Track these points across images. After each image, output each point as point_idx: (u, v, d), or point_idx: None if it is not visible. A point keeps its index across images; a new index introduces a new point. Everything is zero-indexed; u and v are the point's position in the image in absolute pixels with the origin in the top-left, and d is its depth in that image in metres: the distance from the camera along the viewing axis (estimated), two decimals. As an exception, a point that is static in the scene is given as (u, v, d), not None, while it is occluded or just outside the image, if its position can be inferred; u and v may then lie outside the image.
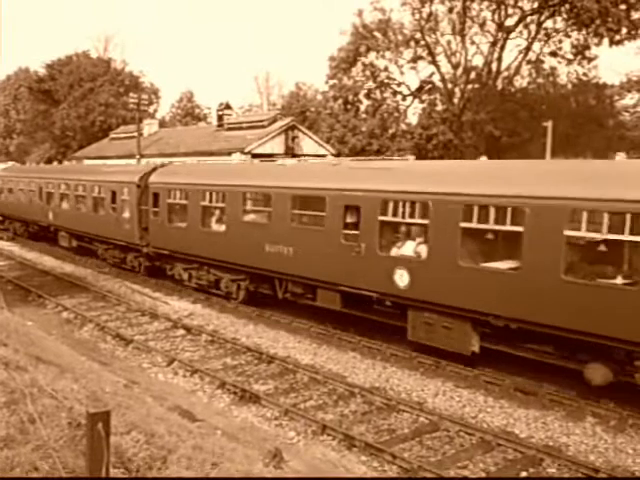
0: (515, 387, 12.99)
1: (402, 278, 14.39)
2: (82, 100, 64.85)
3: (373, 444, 10.52)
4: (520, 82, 54.48)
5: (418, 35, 51.81)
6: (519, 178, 12.98)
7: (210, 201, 20.27)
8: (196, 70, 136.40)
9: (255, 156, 38.00)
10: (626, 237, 10.97)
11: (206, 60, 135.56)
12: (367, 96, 55.18)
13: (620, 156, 14.42)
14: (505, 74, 52.64)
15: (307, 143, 43.21)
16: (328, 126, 53.78)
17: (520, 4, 48.71)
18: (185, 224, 21.31)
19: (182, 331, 17.73)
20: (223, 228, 19.77)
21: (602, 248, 11.34)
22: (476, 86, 52.44)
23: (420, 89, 54.83)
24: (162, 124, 65.34)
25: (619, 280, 11.35)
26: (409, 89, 55.18)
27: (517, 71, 52.71)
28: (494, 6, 49.31)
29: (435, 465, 9.86)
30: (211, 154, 38.97)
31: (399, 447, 10.54)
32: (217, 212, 20.33)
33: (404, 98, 55.68)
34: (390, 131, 52.82)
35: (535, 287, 11.98)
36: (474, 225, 12.98)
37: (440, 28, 51.85)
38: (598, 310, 11.23)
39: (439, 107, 54.66)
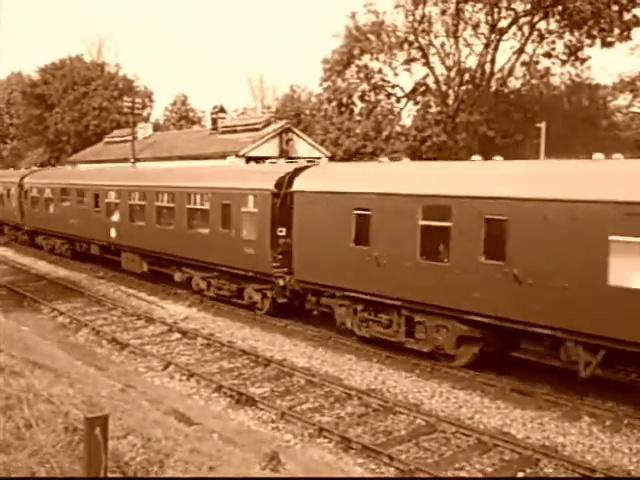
0: (511, 388, 13.02)
1: (113, 233, 25.80)
2: (76, 104, 64.67)
3: (370, 446, 10.52)
4: (514, 83, 54.49)
5: (412, 37, 51.68)
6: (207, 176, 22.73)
7: (49, 194, 32.47)
8: (190, 73, 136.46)
9: (249, 159, 37.97)
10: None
11: (200, 63, 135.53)
12: (361, 98, 55.06)
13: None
14: (499, 75, 52.55)
15: (301, 146, 43.16)
16: (322, 128, 53.67)
17: (513, 6, 48.72)
18: (38, 210, 33.53)
19: (178, 335, 17.75)
20: (53, 211, 31.90)
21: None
22: (470, 87, 52.39)
23: (414, 91, 54.73)
24: (156, 127, 65.09)
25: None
26: (403, 91, 55.09)
27: (510, 72, 52.69)
28: (487, 8, 49.31)
29: (432, 467, 9.88)
30: (206, 157, 38.90)
31: (396, 449, 10.55)
32: (53, 201, 31.89)
33: (398, 100, 55.56)
34: (384, 133, 52.63)
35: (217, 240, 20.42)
36: (137, 202, 24.58)
37: (433, 30, 51.59)
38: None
39: (433, 109, 54.53)
